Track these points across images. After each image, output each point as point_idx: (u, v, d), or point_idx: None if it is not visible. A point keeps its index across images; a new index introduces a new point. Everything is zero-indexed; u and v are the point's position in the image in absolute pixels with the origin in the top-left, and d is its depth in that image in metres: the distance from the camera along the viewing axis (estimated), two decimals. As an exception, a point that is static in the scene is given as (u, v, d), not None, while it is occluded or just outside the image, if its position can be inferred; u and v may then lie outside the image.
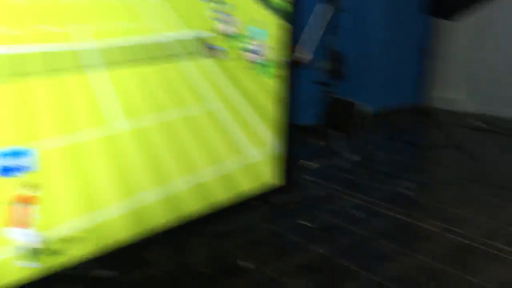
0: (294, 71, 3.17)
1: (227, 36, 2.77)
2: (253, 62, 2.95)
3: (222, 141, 2.87)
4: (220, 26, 2.72)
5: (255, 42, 2.93)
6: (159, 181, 2.56)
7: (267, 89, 3.08)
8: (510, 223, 3.00)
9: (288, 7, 3.00)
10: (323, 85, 4.26)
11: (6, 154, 1.98)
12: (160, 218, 2.59)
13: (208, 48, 2.68)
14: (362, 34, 5.22)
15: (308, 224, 2.91)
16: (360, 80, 5.02)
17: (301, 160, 3.89)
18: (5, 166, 1.98)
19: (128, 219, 2.44)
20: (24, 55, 2.01)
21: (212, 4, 2.66)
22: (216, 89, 2.77)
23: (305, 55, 3.86)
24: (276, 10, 2.97)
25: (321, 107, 4.26)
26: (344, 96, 4.27)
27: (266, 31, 2.98)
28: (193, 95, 2.67)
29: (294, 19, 3.08)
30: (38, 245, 2.11)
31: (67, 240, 2.21)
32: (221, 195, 2.90)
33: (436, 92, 6.25)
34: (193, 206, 2.75)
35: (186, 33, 2.58)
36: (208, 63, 2.71)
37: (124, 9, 2.31)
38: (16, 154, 2.00)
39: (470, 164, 4.13)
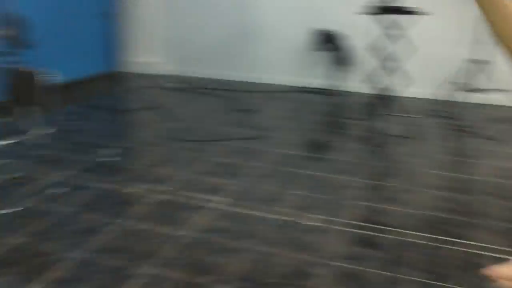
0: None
1: None
2: None
3: None
4: None
5: None
6: None
7: None
8: (204, 172, 3.25)
9: None
10: (3, 55, 3.75)
11: None
12: None
13: None
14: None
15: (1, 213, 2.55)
16: (48, 48, 4.63)
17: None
18: None
19: None
20: None
21: None
22: None
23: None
24: None
25: (3, 80, 3.76)
26: (30, 66, 3.86)
27: None
28: None
29: None
30: None
31: None
32: None
33: (132, 57, 6.29)
34: None
35: None
36: None
37: None
38: None
39: (169, 123, 4.31)
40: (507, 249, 2.44)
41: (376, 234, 2.56)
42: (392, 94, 4.40)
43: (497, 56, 4.87)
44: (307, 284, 2.13)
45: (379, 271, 2.24)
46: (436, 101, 5.25)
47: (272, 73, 5.92)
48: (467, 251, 2.42)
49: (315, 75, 5.66)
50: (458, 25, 5.11)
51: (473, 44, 4.94)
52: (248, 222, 2.64)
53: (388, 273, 2.22)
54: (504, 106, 5.06)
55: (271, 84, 5.86)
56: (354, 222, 2.67)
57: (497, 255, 2.38)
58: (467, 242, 2.49)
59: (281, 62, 5.87)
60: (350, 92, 5.52)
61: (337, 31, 5.34)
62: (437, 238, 2.54)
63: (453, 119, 4.64)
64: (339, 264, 2.29)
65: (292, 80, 5.78)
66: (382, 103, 4.40)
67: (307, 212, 2.77)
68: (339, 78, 5.52)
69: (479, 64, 4.79)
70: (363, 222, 2.68)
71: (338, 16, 5.33)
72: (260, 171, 3.32)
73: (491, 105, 5.11)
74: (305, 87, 5.65)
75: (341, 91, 5.52)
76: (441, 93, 5.24)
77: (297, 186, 3.10)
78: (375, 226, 2.64)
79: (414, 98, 5.32)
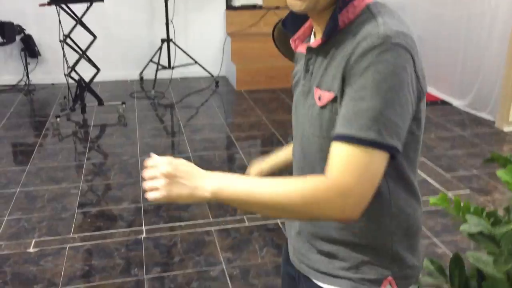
0: None
1: None
2: None
3: None
4: None
5: None
6: None
7: None
8: None
9: None
10: None
11: None
12: None
13: None
14: None
15: None
16: None
17: None
18: None
19: None
20: None
21: None
22: None
23: None
24: None
25: None
26: None
27: None
28: None
29: None
30: None
31: None
32: None
33: None
34: None
35: None
36: None
37: None
38: None
39: None
40: (228, 218, 2.74)
41: (104, 240, 2.53)
42: (91, 82, 4.27)
43: (180, 35, 5.26)
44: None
45: (122, 279, 2.23)
46: (139, 82, 5.37)
47: None
48: (195, 231, 2.62)
49: (2, 71, 5.07)
50: (145, 7, 5.26)
51: (160, 24, 5.18)
52: (-40, 270, 2.26)
53: (129, 279, 2.24)
54: (197, 77, 5.53)
55: None
56: (82, 234, 2.57)
57: (222, 227, 2.66)
58: (191, 222, 2.70)
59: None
60: (46, 85, 5.15)
61: (15, 22, 4.84)
62: (162, 227, 2.66)
63: (159, 98, 4.84)
64: (77, 286, 2.19)
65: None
66: (83, 93, 4.24)
67: (30, 237, 2.53)
68: (32, 71, 5.08)
69: (168, 42, 5.06)
70: (90, 231, 2.60)
71: (20, 6, 4.85)
72: (-41, 203, 2.85)
73: (188, 78, 5.51)
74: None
75: (36, 85, 5.11)
76: (142, 73, 5.38)
77: (10, 209, 2.78)
78: (103, 232, 2.60)
79: (116, 81, 5.32)
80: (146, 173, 0.89)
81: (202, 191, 0.87)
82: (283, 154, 1.26)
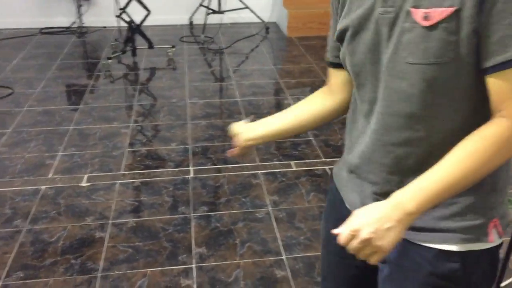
0: None
1: None
2: None
3: None
4: None
5: None
6: None
7: None
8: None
9: None
10: None
11: None
12: None
13: None
14: None
15: None
16: None
17: None
18: None
19: None
20: None
21: None
22: None
23: None
24: None
25: None
26: None
27: None
28: None
29: None
30: None
31: None
32: None
33: None
34: None
35: None
36: None
37: None
38: None
39: None
40: (276, 162, 2.72)
41: (153, 179, 2.57)
42: (142, 24, 4.26)
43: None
44: (99, 250, 2.05)
45: (170, 215, 2.27)
46: (189, 27, 5.32)
47: (4, 16, 5.14)
48: (242, 173, 2.62)
49: (56, 13, 5.13)
50: None
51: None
52: (11, 198, 2.36)
53: (177, 216, 2.28)
54: (247, 23, 5.41)
55: (3, 30, 5.11)
56: (131, 172, 2.62)
57: (269, 170, 2.64)
58: (237, 165, 2.69)
59: (14, 1, 5.11)
60: (98, 28, 5.19)
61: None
62: (209, 168, 2.67)
63: (208, 43, 4.79)
64: (127, 220, 2.24)
65: (31, 22, 5.13)
66: (134, 36, 4.24)
67: (83, 172, 2.61)
68: (84, 13, 5.11)
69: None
70: (139, 169, 2.65)
71: None
72: (16, 136, 2.95)
73: (238, 24, 5.40)
74: (48, 28, 5.09)
75: (88, 27, 5.15)
76: (192, 18, 5.32)
77: (64, 145, 2.86)
78: (152, 170, 2.64)
79: (166, 26, 5.29)
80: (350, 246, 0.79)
81: (407, 221, 0.77)
82: (285, 118, 1.05)
